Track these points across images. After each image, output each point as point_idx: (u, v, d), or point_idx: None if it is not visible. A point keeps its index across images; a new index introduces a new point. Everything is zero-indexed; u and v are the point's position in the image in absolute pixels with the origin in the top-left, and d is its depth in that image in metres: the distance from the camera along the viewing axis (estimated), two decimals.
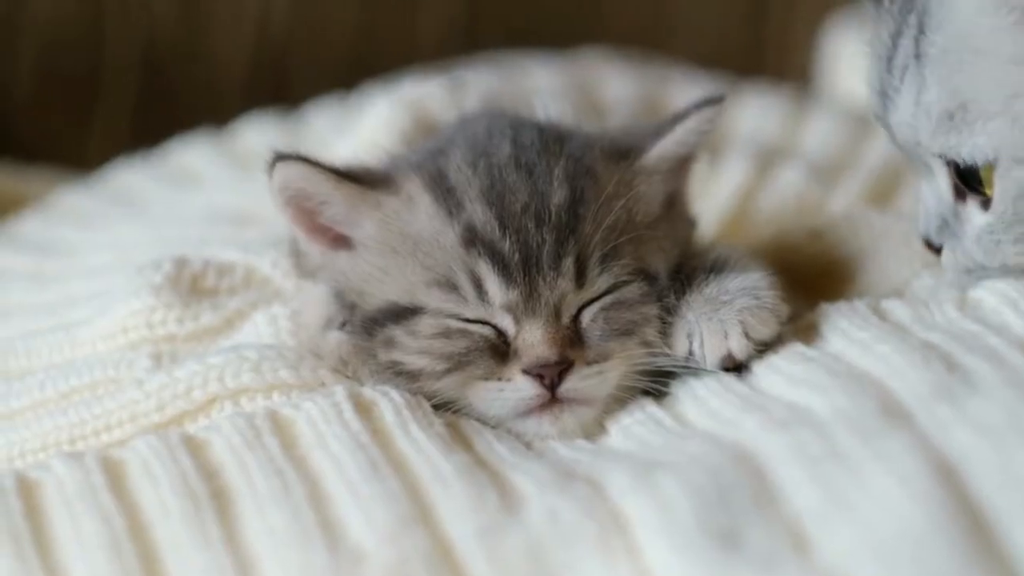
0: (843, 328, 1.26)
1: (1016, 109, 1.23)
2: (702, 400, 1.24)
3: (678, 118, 1.38)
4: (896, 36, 1.31)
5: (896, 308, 1.29)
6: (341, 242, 1.35)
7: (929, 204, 1.35)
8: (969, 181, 1.29)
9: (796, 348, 1.26)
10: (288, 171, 1.32)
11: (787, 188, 1.68)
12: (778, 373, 1.23)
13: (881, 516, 1.05)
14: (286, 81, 2.38)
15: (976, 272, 1.32)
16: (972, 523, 1.04)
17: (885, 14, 1.33)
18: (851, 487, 1.07)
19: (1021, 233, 1.27)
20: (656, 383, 1.29)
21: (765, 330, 1.27)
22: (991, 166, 1.26)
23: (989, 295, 1.27)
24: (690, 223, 1.42)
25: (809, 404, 1.17)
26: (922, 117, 1.28)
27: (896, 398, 1.14)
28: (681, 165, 1.39)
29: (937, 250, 1.35)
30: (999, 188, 1.26)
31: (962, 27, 1.25)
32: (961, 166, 1.28)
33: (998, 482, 1.05)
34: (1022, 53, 1.22)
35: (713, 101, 1.37)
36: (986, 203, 1.28)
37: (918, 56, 1.28)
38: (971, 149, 1.26)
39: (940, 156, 1.29)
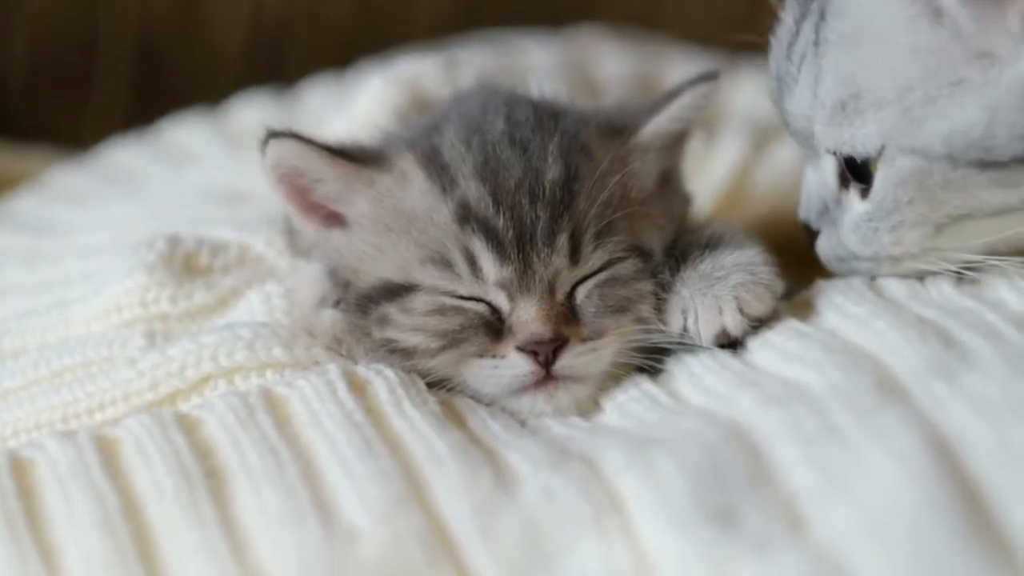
0: (838, 304, 1.26)
1: (909, 100, 1.23)
2: (697, 377, 1.24)
3: (673, 94, 1.37)
4: (799, 21, 1.31)
5: (892, 284, 1.28)
6: (335, 220, 1.35)
7: (812, 189, 1.35)
8: (856, 170, 1.29)
9: (791, 324, 1.26)
10: (281, 148, 1.32)
11: (783, 165, 1.68)
12: (773, 349, 1.23)
13: (877, 494, 1.05)
14: (281, 60, 2.37)
15: (848, 261, 1.32)
16: (969, 500, 1.04)
17: (792, 1, 1.33)
18: (847, 465, 1.07)
19: (898, 222, 1.27)
20: (651, 360, 1.28)
21: (760, 306, 1.27)
22: (875, 158, 1.26)
23: (988, 273, 1.27)
24: (685, 199, 1.41)
25: (804, 380, 1.16)
26: (818, 108, 1.29)
27: (892, 374, 1.14)
28: (676, 141, 1.39)
29: (814, 235, 1.35)
30: (881, 174, 1.26)
31: (864, 14, 1.25)
32: (857, 160, 1.28)
33: (995, 459, 1.05)
34: (920, 44, 1.22)
35: (708, 77, 1.37)
36: (866, 192, 1.28)
37: (817, 43, 1.28)
38: (863, 139, 1.26)
39: (833, 151, 1.30)
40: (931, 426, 1.08)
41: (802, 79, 1.30)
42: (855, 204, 1.30)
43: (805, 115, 1.30)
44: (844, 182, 1.31)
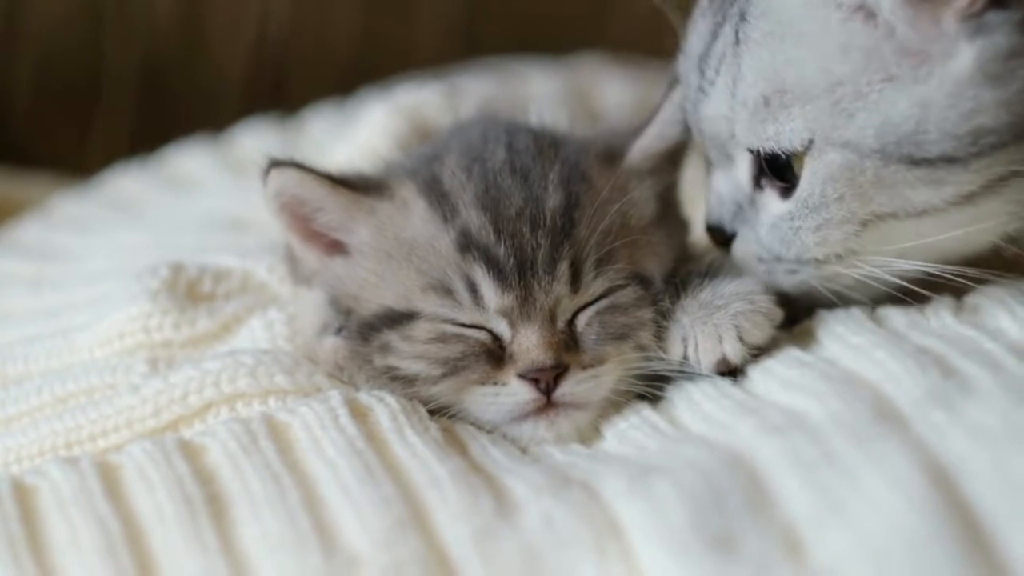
0: (839, 333, 1.26)
1: (839, 94, 1.23)
2: (697, 404, 1.24)
3: (653, 113, 1.39)
4: (717, 28, 1.32)
5: (892, 314, 1.29)
6: (336, 248, 1.36)
7: (723, 192, 1.35)
8: (778, 169, 1.29)
9: (792, 353, 1.26)
10: (283, 178, 1.33)
11: None
12: (773, 377, 1.23)
13: (875, 520, 1.05)
14: (284, 88, 2.38)
15: (768, 263, 1.32)
16: (966, 527, 1.04)
17: (706, 11, 1.34)
18: (845, 491, 1.07)
19: (824, 220, 1.27)
20: (651, 387, 1.29)
21: (759, 334, 1.27)
22: (801, 154, 1.26)
23: (986, 300, 1.27)
24: (683, 227, 1.42)
25: (804, 409, 1.17)
26: (739, 108, 1.29)
27: (891, 403, 1.15)
28: (669, 162, 1.40)
29: (727, 240, 1.36)
30: (809, 170, 1.26)
31: (790, 13, 1.26)
32: (781, 157, 1.28)
33: (993, 487, 1.05)
34: (852, 43, 1.23)
35: (675, 82, 1.37)
36: (787, 191, 1.29)
37: (737, 43, 1.29)
38: (789, 134, 1.26)
39: (756, 149, 1.30)
40: (930, 454, 1.08)
41: (720, 81, 1.30)
42: (772, 204, 1.30)
43: (724, 116, 1.30)
44: (758, 183, 1.31)
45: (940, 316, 1.28)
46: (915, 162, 1.22)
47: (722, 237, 1.36)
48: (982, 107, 1.19)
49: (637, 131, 1.38)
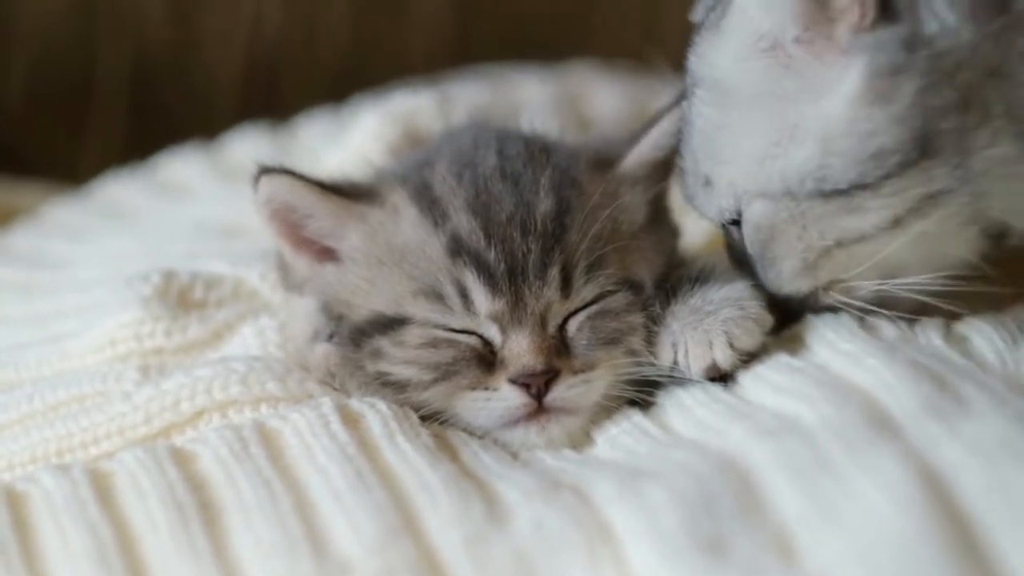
0: (829, 339, 1.26)
1: (756, 150, 1.26)
2: (688, 410, 1.24)
3: (651, 122, 1.39)
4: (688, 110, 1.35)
5: (883, 325, 1.29)
6: (327, 255, 1.36)
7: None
8: None
9: (782, 358, 1.26)
10: (273, 185, 1.33)
11: None
12: (764, 383, 1.24)
13: (867, 525, 1.05)
14: (277, 94, 2.38)
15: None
16: (959, 533, 1.04)
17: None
18: (837, 496, 1.08)
19: (770, 259, 1.30)
20: (642, 392, 1.29)
21: (749, 340, 1.27)
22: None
23: (975, 334, 1.28)
24: (673, 232, 1.42)
25: (795, 413, 1.17)
26: (698, 191, 1.33)
27: (884, 410, 1.15)
28: (661, 171, 1.40)
29: None
30: (744, 223, 1.30)
31: (721, 73, 1.28)
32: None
33: (987, 495, 1.06)
34: (766, 91, 1.26)
35: (682, 98, 1.37)
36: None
37: (689, 122, 1.32)
38: (726, 204, 1.30)
39: (721, 223, 1.34)
40: (923, 461, 1.08)
41: (688, 167, 1.34)
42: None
43: (691, 196, 1.35)
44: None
45: (929, 337, 1.28)
46: (826, 195, 1.24)
47: None
48: (876, 129, 1.21)
49: (634, 139, 1.38)
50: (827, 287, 1.30)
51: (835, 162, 1.22)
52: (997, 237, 1.28)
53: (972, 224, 1.26)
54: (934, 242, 1.26)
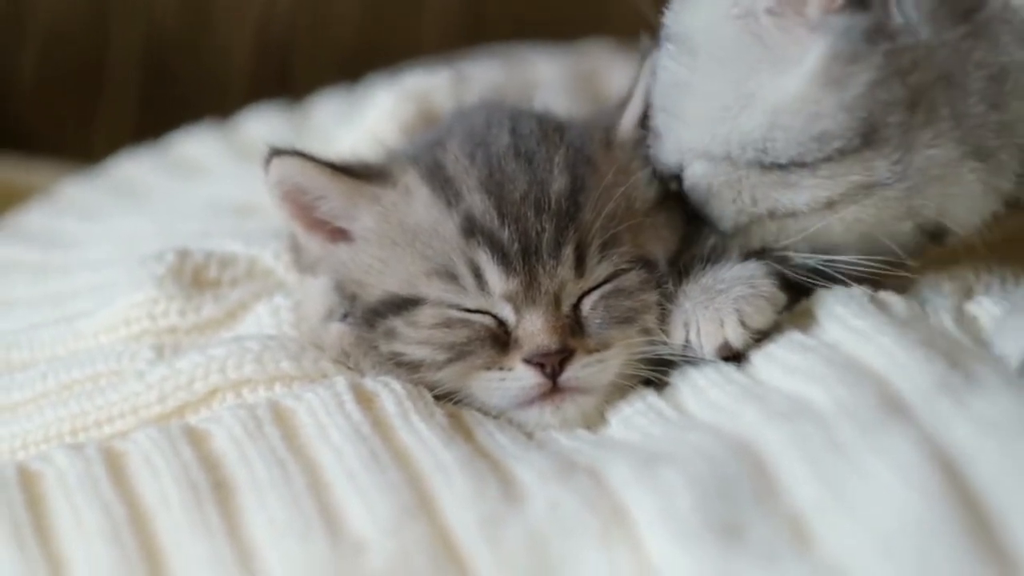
0: (839, 315, 1.26)
1: (709, 112, 1.28)
2: (701, 390, 1.24)
3: (634, 81, 1.39)
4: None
5: (894, 301, 1.28)
6: (339, 235, 1.36)
7: None
8: None
9: (794, 336, 1.26)
10: (284, 166, 1.33)
11: None
12: (776, 363, 1.23)
13: (881, 508, 1.05)
14: (290, 73, 2.38)
15: None
16: (973, 515, 1.04)
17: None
18: (852, 480, 1.07)
19: (707, 216, 1.33)
20: (656, 372, 1.29)
21: (761, 318, 1.27)
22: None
23: (985, 316, 1.28)
24: (685, 209, 1.41)
25: (808, 395, 1.17)
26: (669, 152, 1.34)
27: (896, 390, 1.15)
28: None
29: None
30: (685, 181, 1.32)
31: (691, 30, 1.30)
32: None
33: (1001, 475, 1.05)
34: (731, 57, 1.27)
35: (651, 46, 1.37)
36: None
37: (654, 74, 1.35)
38: (668, 160, 1.33)
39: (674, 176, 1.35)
40: (936, 443, 1.08)
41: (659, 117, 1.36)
42: None
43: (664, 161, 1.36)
44: None
45: (940, 316, 1.28)
46: (766, 167, 1.26)
47: None
48: (824, 112, 1.23)
49: (623, 103, 1.39)
50: (765, 249, 1.31)
51: (780, 136, 1.24)
52: (934, 235, 1.30)
53: (907, 219, 1.28)
54: (867, 229, 1.28)
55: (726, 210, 1.30)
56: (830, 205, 1.26)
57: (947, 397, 1.12)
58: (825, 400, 1.15)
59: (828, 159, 1.24)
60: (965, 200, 1.28)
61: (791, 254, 1.30)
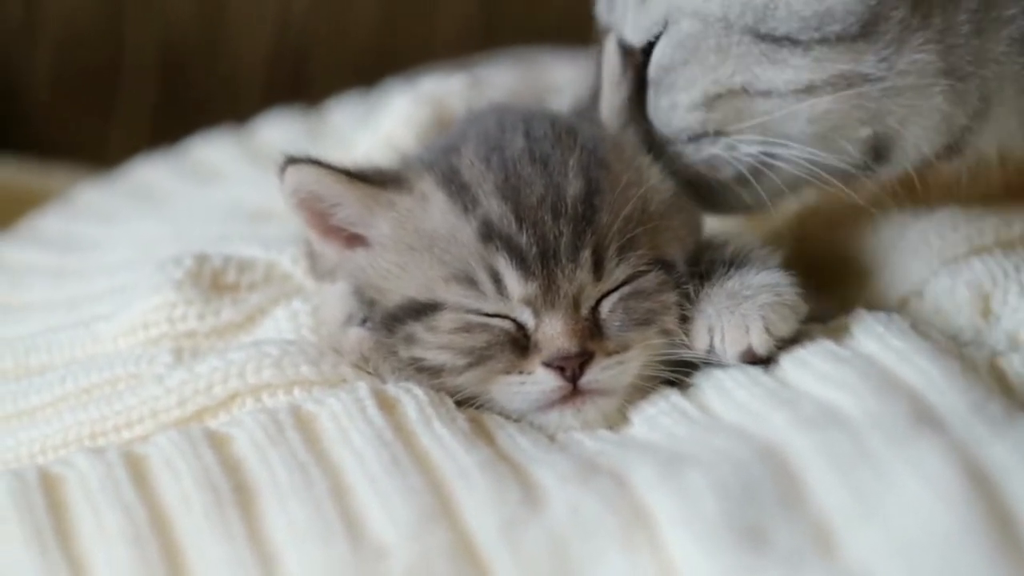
0: (879, 333, 1.26)
1: None
2: (728, 392, 1.24)
3: (598, 69, 1.40)
4: None
5: (935, 332, 1.29)
6: (356, 242, 1.36)
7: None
8: None
9: (827, 346, 1.25)
10: (300, 174, 1.33)
11: None
12: (807, 368, 1.23)
13: (908, 518, 1.05)
14: (306, 78, 2.38)
15: (672, 145, 1.35)
16: (1003, 528, 1.03)
17: None
18: (879, 489, 1.07)
19: (670, 83, 1.31)
20: (678, 373, 1.29)
21: (785, 326, 1.27)
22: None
23: (1012, 372, 1.26)
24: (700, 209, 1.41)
25: (839, 404, 1.16)
26: (628, 12, 1.34)
27: (931, 408, 1.14)
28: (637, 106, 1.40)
29: None
30: (663, 41, 1.31)
31: None
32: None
33: None
34: None
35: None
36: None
37: None
38: (653, 16, 1.30)
39: (644, 48, 1.33)
40: (968, 457, 1.07)
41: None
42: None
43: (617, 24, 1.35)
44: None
45: (982, 350, 1.28)
46: (760, 36, 1.25)
47: None
48: None
49: (596, 94, 1.40)
50: (716, 133, 1.31)
51: (780, 6, 1.23)
52: (878, 155, 1.30)
53: (869, 125, 1.28)
54: (830, 126, 1.28)
55: (700, 79, 1.28)
56: (809, 90, 1.25)
57: (984, 421, 1.11)
58: (856, 409, 1.15)
59: (823, 41, 1.23)
60: (925, 120, 1.28)
61: (741, 139, 1.30)
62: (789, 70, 1.25)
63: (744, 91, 1.27)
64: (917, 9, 1.23)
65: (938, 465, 1.07)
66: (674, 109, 1.32)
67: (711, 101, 1.30)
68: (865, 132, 1.28)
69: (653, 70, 1.32)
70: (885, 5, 1.22)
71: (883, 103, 1.26)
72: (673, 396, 1.27)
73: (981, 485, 1.05)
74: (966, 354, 1.26)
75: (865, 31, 1.22)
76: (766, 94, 1.26)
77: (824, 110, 1.26)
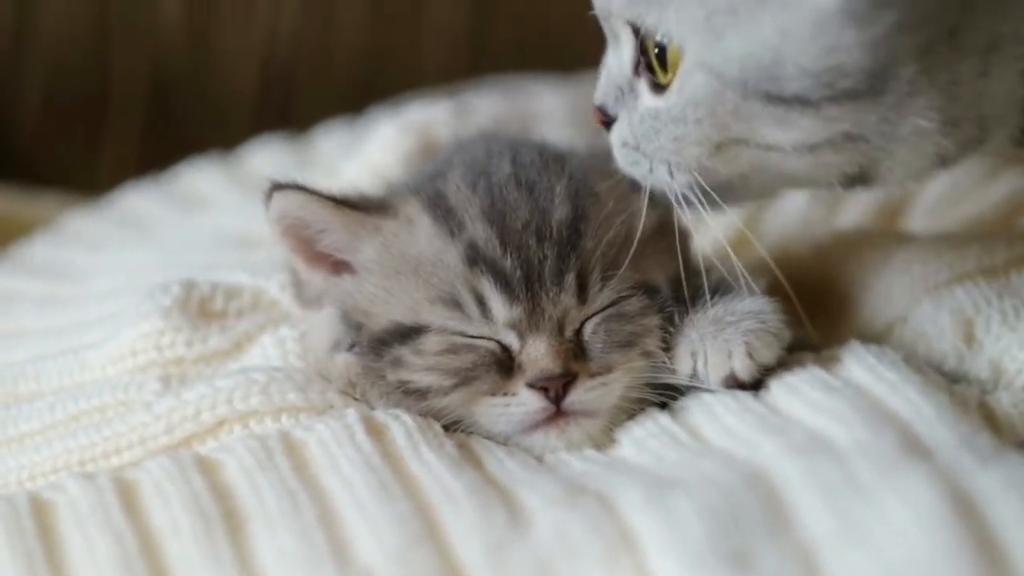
0: (870, 364, 1.26)
1: (712, 5, 1.22)
2: (718, 417, 1.24)
3: None
4: None
5: (928, 369, 1.29)
6: (341, 268, 1.36)
7: (612, 72, 1.35)
8: (652, 58, 1.29)
9: (818, 374, 1.26)
10: (285, 200, 1.34)
11: (792, 210, 1.67)
12: (798, 396, 1.24)
13: (895, 546, 1.05)
14: (293, 104, 2.39)
15: (629, 149, 1.33)
16: (987, 557, 1.04)
17: None
18: (866, 516, 1.07)
19: (681, 134, 1.27)
20: (665, 396, 1.29)
21: (768, 353, 1.28)
22: (678, 53, 1.26)
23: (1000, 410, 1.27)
24: (685, 234, 1.41)
25: (829, 433, 1.17)
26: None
27: (918, 435, 1.15)
28: None
29: (610, 122, 1.36)
30: (677, 84, 1.26)
31: None
32: (643, 35, 1.28)
33: (1020, 528, 1.05)
34: None
35: None
36: (656, 88, 1.29)
37: None
38: (663, 25, 1.26)
39: (629, 23, 1.30)
40: (954, 485, 1.08)
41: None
42: (644, 95, 1.31)
43: None
44: (637, 68, 1.31)
45: (971, 388, 1.29)
46: (770, 99, 1.21)
47: (605, 118, 1.37)
48: (841, 45, 1.17)
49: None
50: (694, 172, 1.29)
51: (789, 65, 1.19)
52: (859, 181, 1.28)
53: (857, 165, 1.26)
54: (817, 170, 1.26)
55: (707, 133, 1.26)
56: (813, 149, 1.23)
57: (972, 454, 1.12)
58: (846, 438, 1.15)
59: (832, 99, 1.20)
60: (913, 164, 1.26)
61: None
62: (795, 131, 1.22)
63: (746, 143, 1.26)
64: (924, 65, 1.19)
65: (925, 493, 1.07)
66: (677, 152, 1.29)
67: (716, 151, 1.28)
68: (852, 170, 1.27)
69: (664, 108, 1.28)
70: (895, 61, 1.18)
71: (873, 155, 1.25)
72: (662, 419, 1.28)
73: (967, 514, 1.06)
74: (956, 391, 1.26)
75: (873, 88, 1.19)
76: (767, 148, 1.25)
77: (821, 162, 1.25)
